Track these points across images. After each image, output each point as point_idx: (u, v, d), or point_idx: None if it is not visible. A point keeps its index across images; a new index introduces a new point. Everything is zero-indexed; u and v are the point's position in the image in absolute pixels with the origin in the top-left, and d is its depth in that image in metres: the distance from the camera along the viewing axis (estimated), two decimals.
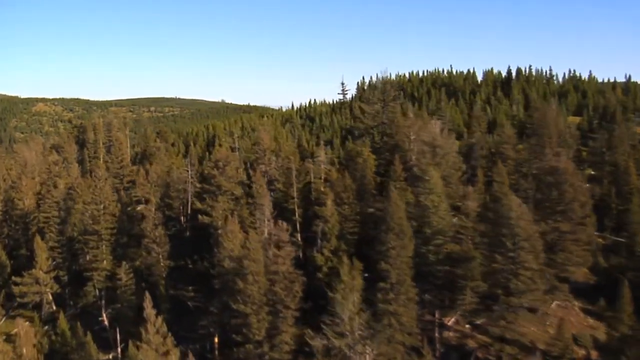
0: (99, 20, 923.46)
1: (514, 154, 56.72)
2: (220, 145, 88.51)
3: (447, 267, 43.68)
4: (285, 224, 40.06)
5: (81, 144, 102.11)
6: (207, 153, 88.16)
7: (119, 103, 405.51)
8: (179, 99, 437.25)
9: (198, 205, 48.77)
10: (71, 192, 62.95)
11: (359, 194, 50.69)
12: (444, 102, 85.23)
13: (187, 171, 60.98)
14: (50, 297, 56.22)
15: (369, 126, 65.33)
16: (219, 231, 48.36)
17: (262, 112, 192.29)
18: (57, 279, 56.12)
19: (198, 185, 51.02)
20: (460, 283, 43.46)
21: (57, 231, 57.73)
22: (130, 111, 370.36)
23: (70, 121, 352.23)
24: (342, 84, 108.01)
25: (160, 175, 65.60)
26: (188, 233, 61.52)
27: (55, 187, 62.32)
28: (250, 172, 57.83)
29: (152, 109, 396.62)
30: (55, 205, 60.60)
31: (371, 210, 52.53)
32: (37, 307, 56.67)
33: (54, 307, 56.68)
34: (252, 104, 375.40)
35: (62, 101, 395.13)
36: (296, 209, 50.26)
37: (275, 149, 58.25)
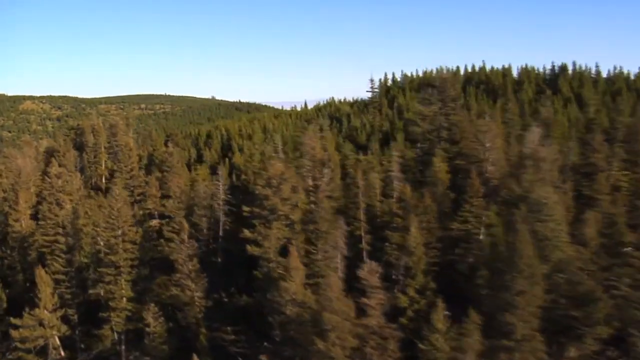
0: (87, 18, 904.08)
1: (607, 165, 48.08)
2: (240, 151, 79.07)
3: (564, 309, 35.21)
4: (375, 264, 30.91)
5: (79, 147, 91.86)
6: (225, 159, 78.37)
7: (108, 100, 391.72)
8: (168, 95, 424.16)
9: (247, 234, 39.32)
10: (77, 209, 53.10)
11: (438, 215, 41.86)
12: (512, 101, 75.87)
13: (219, 184, 51.65)
14: (58, 341, 46.35)
15: (426, 130, 56.54)
16: (272, 264, 39.21)
17: (273, 112, 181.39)
18: (64, 318, 46.30)
19: (246, 209, 41.40)
20: (580, 330, 35.07)
21: (64, 260, 47.87)
22: (121, 108, 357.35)
23: (58, 119, 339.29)
24: (371, 80, 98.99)
25: (183, 190, 55.96)
26: (219, 259, 52.21)
27: (60, 205, 52.25)
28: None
29: (143, 106, 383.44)
30: (60, 227, 50.54)
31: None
32: (42, 351, 46.94)
33: (62, 353, 46.88)
34: (242, 100, 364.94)
35: (50, 99, 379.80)
36: (363, 235, 41.21)
37: (325, 159, 49.00)
